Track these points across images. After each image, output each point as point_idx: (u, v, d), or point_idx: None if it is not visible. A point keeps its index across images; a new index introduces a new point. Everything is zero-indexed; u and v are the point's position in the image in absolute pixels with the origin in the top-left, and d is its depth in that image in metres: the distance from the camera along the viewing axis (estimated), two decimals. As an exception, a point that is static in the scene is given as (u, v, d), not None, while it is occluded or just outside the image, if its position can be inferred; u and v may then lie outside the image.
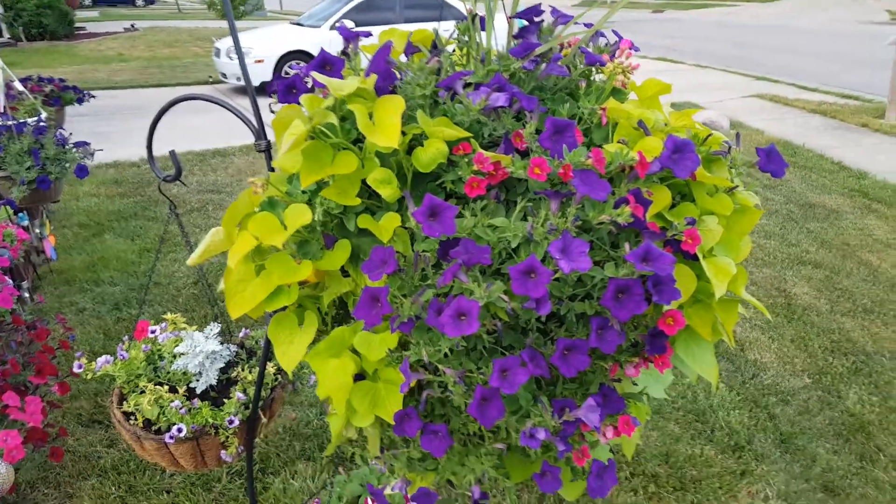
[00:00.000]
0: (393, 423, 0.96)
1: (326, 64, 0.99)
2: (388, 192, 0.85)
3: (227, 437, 1.46)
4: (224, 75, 9.88)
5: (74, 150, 2.99)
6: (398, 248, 0.92)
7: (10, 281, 2.18)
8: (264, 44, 9.69)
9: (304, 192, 0.94)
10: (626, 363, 0.96)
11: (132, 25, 19.39)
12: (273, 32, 10.52)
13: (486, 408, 0.88)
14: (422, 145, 0.87)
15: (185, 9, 28.91)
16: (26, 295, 3.15)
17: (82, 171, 2.97)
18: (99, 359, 1.56)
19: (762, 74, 10.87)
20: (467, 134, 0.88)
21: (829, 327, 3.38)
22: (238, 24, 15.48)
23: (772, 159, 0.93)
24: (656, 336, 0.88)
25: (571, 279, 0.87)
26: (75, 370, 1.53)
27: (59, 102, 4.71)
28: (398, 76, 0.95)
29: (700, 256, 0.90)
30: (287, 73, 9.65)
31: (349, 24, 9.81)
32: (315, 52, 9.13)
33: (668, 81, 1.05)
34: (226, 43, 9.98)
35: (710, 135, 1.01)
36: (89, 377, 1.54)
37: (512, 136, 0.91)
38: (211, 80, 10.71)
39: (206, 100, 1.38)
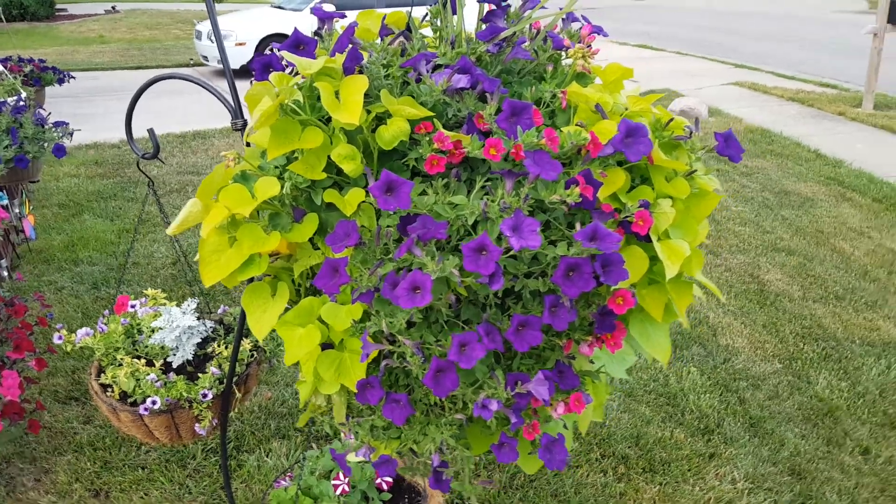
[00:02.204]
0: (356, 391, 1.00)
1: (300, 44, 1.01)
2: (351, 167, 0.88)
3: (201, 410, 1.49)
4: (205, 58, 9.82)
5: (53, 129, 2.98)
6: (363, 222, 0.95)
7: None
8: (246, 27, 9.63)
9: (276, 167, 0.97)
10: (580, 341, 1.00)
11: (113, 7, 19.10)
12: (254, 15, 10.46)
13: (441, 379, 0.91)
14: (385, 125, 0.90)
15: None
16: (4, 273, 3.15)
17: (60, 151, 2.97)
18: (79, 331, 1.58)
19: (741, 62, 10.94)
20: (429, 113, 0.91)
21: (801, 313, 3.46)
22: (219, 6, 15.35)
23: (729, 144, 0.96)
24: (605, 315, 0.92)
25: (527, 257, 0.90)
26: (56, 341, 1.55)
27: (39, 83, 4.67)
28: (365, 57, 0.98)
29: (654, 238, 0.94)
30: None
31: (329, 7, 9.77)
32: (298, 35, 9.06)
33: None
34: (207, 26, 9.90)
35: (671, 119, 1.04)
36: (69, 349, 1.56)
37: (475, 117, 0.94)
38: (192, 62, 10.63)
39: (185, 79, 1.39)
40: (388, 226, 0.93)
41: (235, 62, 9.46)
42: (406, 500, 1.56)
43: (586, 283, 0.86)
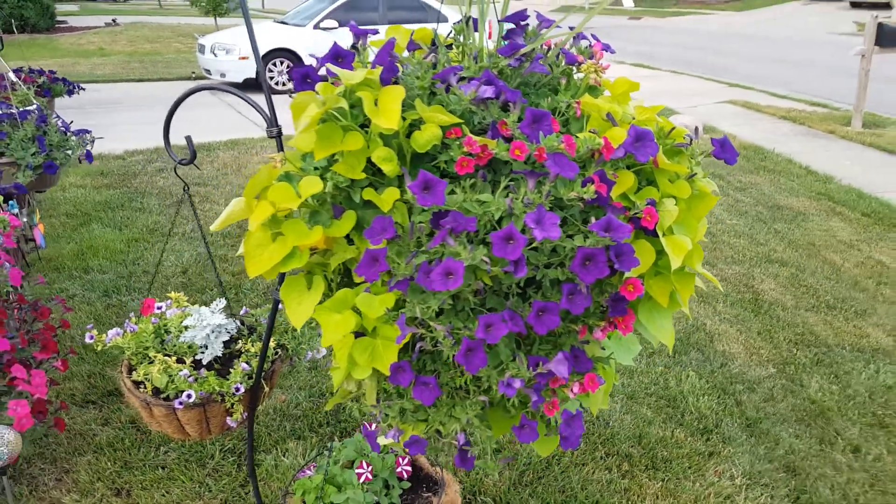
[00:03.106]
0: (388, 374, 1.09)
1: (339, 56, 1.12)
2: (389, 168, 0.98)
3: (233, 403, 1.57)
4: (208, 71, 9.94)
5: (74, 137, 3.08)
6: (397, 218, 1.05)
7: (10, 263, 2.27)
8: (243, 42, 9.76)
9: (315, 168, 1.07)
10: (594, 326, 1.10)
11: (113, 20, 19.28)
12: (257, 30, 10.62)
13: (471, 357, 1.01)
14: (419, 130, 1.00)
15: (166, 5, 28.71)
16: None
17: (89, 157, 3.07)
18: (109, 331, 1.67)
19: (735, 81, 11.18)
20: (459, 120, 1.01)
21: (794, 321, 3.57)
22: (221, 20, 15.54)
23: (725, 149, 1.07)
24: (618, 300, 1.02)
25: (547, 249, 1.01)
26: (87, 340, 1.64)
27: (49, 94, 4.78)
28: (400, 69, 1.08)
29: (660, 234, 1.04)
30: (270, 71, 9.75)
31: (332, 23, 9.96)
32: (299, 51, 9.17)
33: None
34: (210, 39, 10.04)
35: (673, 128, 1.15)
36: (99, 348, 1.64)
37: (498, 123, 1.04)
38: (194, 75, 10.76)
39: (225, 90, 1.50)
40: (420, 222, 1.03)
41: (239, 76, 9.59)
42: (424, 487, 1.65)
43: (601, 271, 0.96)
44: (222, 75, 9.66)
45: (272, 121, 1.35)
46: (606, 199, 0.97)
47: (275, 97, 1.35)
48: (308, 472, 1.63)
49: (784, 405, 2.88)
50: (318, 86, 1.02)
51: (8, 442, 1.72)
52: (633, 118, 1.12)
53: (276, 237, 1.09)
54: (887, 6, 21.44)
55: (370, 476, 1.54)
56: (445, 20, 10.11)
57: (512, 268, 0.97)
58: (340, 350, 1.14)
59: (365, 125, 1.05)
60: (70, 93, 4.96)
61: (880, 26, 7.26)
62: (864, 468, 2.50)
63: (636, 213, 1.00)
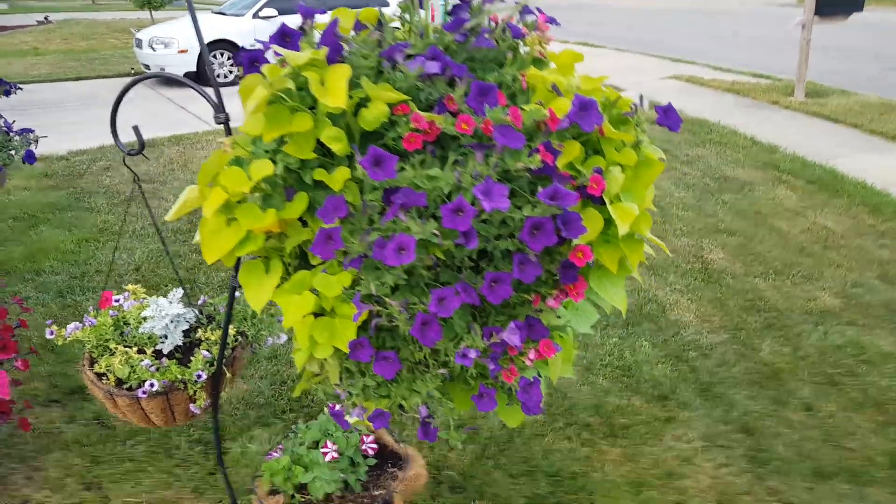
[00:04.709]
0: (348, 351, 1.11)
1: (286, 36, 1.12)
2: (339, 147, 0.99)
3: (195, 391, 1.57)
4: (147, 67, 9.68)
5: (17, 137, 2.98)
6: (349, 197, 1.06)
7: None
8: (187, 34, 9.52)
9: (266, 151, 1.07)
10: (546, 295, 1.13)
11: (45, 18, 18.51)
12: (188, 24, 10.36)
13: (426, 330, 1.04)
14: (367, 108, 1.02)
15: (99, 0, 27.62)
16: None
17: (31, 158, 2.97)
18: (69, 325, 1.65)
19: (678, 57, 11.38)
20: (406, 97, 1.03)
21: (744, 288, 3.70)
22: (157, 14, 15.06)
23: (668, 115, 1.11)
24: (567, 268, 1.05)
25: (496, 220, 1.03)
26: (47, 336, 1.61)
27: (-15, 94, 4.57)
28: (346, 49, 1.09)
29: (607, 202, 1.08)
30: (211, 63, 9.52)
31: (272, 12, 9.80)
32: (239, 41, 8.95)
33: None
34: (147, 34, 9.77)
35: (618, 97, 1.19)
36: (60, 343, 1.62)
37: (445, 99, 1.06)
38: (133, 71, 10.44)
39: (171, 77, 1.48)
40: (371, 200, 1.05)
41: (179, 70, 9.35)
42: (389, 464, 1.68)
43: (549, 239, 0.99)
44: (162, 70, 9.42)
45: (220, 107, 1.34)
46: (553, 169, 1.01)
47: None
48: (275, 454, 1.64)
49: (738, 369, 2.99)
50: (264, 67, 1.02)
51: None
52: (579, 89, 1.15)
53: (231, 222, 1.10)
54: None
55: (336, 455, 1.56)
56: (387, 4, 10.06)
57: (463, 240, 0.99)
58: (301, 331, 1.16)
59: (313, 106, 1.06)
60: (7, 93, 4.77)
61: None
62: (817, 425, 2.63)
63: (583, 182, 1.03)
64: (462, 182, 0.98)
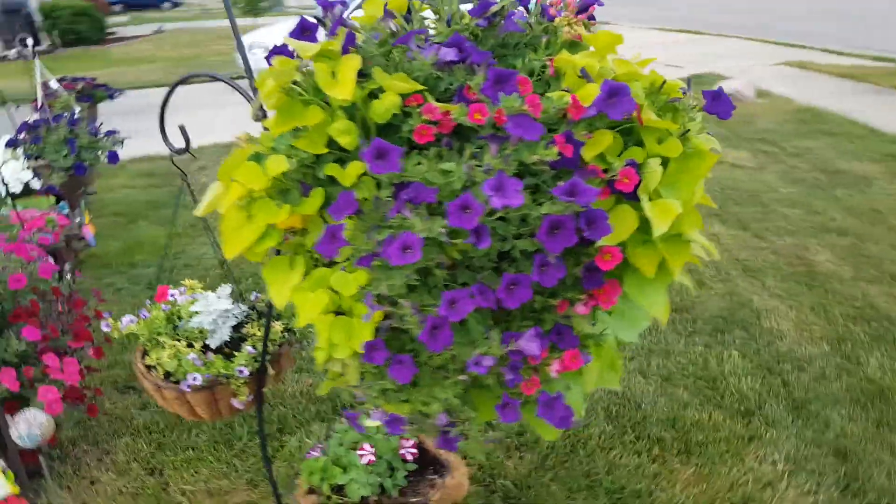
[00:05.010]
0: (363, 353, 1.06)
1: (305, 30, 1.09)
2: (347, 140, 0.94)
3: (238, 386, 1.58)
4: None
5: (105, 138, 3.19)
6: (363, 194, 1.01)
7: (52, 258, 2.37)
8: (276, 39, 9.83)
9: (287, 146, 1.04)
10: (574, 301, 1.03)
11: (160, 28, 19.88)
12: (286, 28, 10.71)
13: (436, 335, 0.97)
14: (379, 99, 0.96)
15: (210, 8, 29.29)
16: (68, 276, 3.38)
17: (114, 158, 3.17)
18: (123, 318, 1.71)
19: (785, 40, 10.55)
20: (419, 87, 0.96)
21: (852, 294, 3.35)
22: (258, 20, 15.78)
23: (718, 102, 0.98)
24: (592, 270, 0.95)
25: (515, 218, 0.95)
26: (103, 328, 1.68)
27: (90, 99, 4.98)
28: (360, 38, 1.04)
29: (643, 198, 0.96)
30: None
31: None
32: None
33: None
34: (248, 39, 10.21)
35: (664, 82, 1.07)
36: (116, 336, 1.68)
37: (464, 88, 0.99)
38: (234, 77, 10.94)
39: (212, 77, 1.50)
40: (387, 196, 0.99)
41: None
42: (431, 470, 1.62)
43: (568, 239, 0.89)
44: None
45: (259, 104, 1.33)
46: (575, 162, 0.91)
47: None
48: (315, 452, 1.63)
49: (837, 385, 2.70)
50: (275, 59, 0.99)
51: (40, 424, 1.80)
52: (614, 73, 1.04)
53: (251, 218, 1.08)
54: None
55: (373, 458, 1.52)
56: None
57: (474, 238, 0.92)
58: (321, 330, 1.13)
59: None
60: (112, 97, 5.16)
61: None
62: (927, 452, 2.32)
63: (613, 176, 0.93)
64: (474, 176, 0.90)
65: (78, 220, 3.79)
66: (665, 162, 1.01)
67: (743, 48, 10.33)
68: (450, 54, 0.97)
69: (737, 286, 3.48)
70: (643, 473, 2.20)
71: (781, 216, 4.27)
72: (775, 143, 5.49)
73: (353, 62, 0.95)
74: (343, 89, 0.91)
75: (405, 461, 1.57)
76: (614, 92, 0.91)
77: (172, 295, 1.77)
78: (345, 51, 1.00)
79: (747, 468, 2.24)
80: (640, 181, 0.95)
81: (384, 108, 0.95)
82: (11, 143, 3.05)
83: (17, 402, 1.92)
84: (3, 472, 1.75)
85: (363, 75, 0.99)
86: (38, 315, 2.02)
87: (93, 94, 5.00)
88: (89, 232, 3.89)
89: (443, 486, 1.59)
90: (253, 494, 2.07)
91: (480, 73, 0.98)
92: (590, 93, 0.93)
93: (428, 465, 1.63)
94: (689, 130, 1.03)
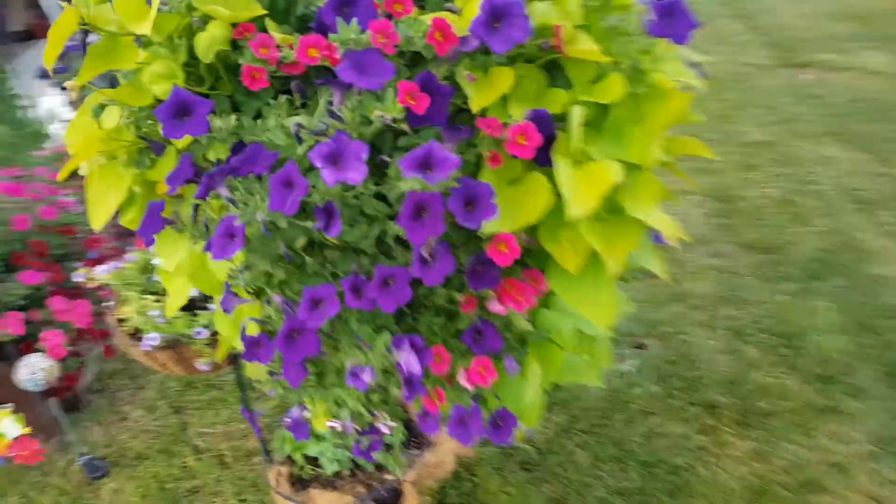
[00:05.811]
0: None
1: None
2: (161, 89, 0.72)
3: (201, 347, 1.48)
4: None
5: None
6: (212, 156, 0.80)
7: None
8: None
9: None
10: (486, 297, 0.78)
11: None
12: None
13: (294, 343, 0.76)
14: (204, 31, 0.72)
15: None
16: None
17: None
18: (99, 267, 1.64)
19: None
20: (260, 12, 0.71)
21: None
22: None
23: (670, 20, 0.65)
24: (484, 264, 0.69)
25: (394, 196, 0.70)
26: (74, 279, 1.62)
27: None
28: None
29: (563, 163, 0.67)
30: None
31: None
32: None
33: None
34: None
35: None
36: (90, 285, 1.62)
37: (323, 13, 0.72)
38: None
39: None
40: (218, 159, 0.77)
41: None
42: (413, 444, 1.47)
43: (435, 226, 0.64)
44: None
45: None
46: (440, 120, 0.63)
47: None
48: (289, 420, 1.51)
49: (953, 349, 2.22)
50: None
51: (41, 369, 1.81)
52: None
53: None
54: None
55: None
56: None
57: (322, 222, 0.68)
58: (218, 319, 0.98)
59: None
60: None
61: None
62: None
63: (502, 137, 0.65)
64: (302, 136, 0.66)
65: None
66: (606, 109, 0.70)
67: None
68: (298, -36, 0.71)
69: (842, 222, 2.94)
70: (686, 446, 1.92)
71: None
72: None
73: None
74: (139, 19, 0.68)
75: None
76: (499, 13, 0.61)
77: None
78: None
79: (816, 446, 1.90)
80: (553, 139, 0.67)
81: (205, 43, 0.71)
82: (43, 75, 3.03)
83: (33, 342, 1.95)
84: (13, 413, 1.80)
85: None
86: (46, 256, 2.01)
87: None
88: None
89: (420, 464, 1.43)
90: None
91: (338, -11, 0.71)
92: (467, 14, 0.64)
93: (414, 438, 1.48)
94: (638, 61, 0.71)
